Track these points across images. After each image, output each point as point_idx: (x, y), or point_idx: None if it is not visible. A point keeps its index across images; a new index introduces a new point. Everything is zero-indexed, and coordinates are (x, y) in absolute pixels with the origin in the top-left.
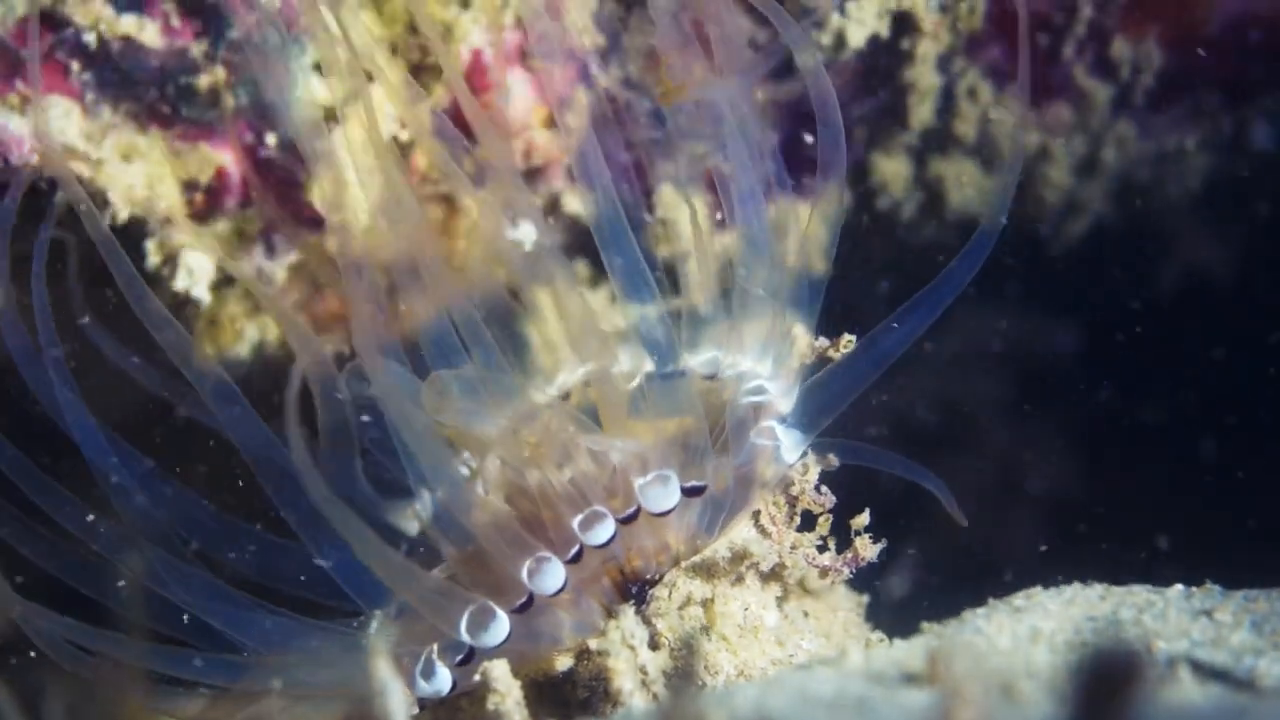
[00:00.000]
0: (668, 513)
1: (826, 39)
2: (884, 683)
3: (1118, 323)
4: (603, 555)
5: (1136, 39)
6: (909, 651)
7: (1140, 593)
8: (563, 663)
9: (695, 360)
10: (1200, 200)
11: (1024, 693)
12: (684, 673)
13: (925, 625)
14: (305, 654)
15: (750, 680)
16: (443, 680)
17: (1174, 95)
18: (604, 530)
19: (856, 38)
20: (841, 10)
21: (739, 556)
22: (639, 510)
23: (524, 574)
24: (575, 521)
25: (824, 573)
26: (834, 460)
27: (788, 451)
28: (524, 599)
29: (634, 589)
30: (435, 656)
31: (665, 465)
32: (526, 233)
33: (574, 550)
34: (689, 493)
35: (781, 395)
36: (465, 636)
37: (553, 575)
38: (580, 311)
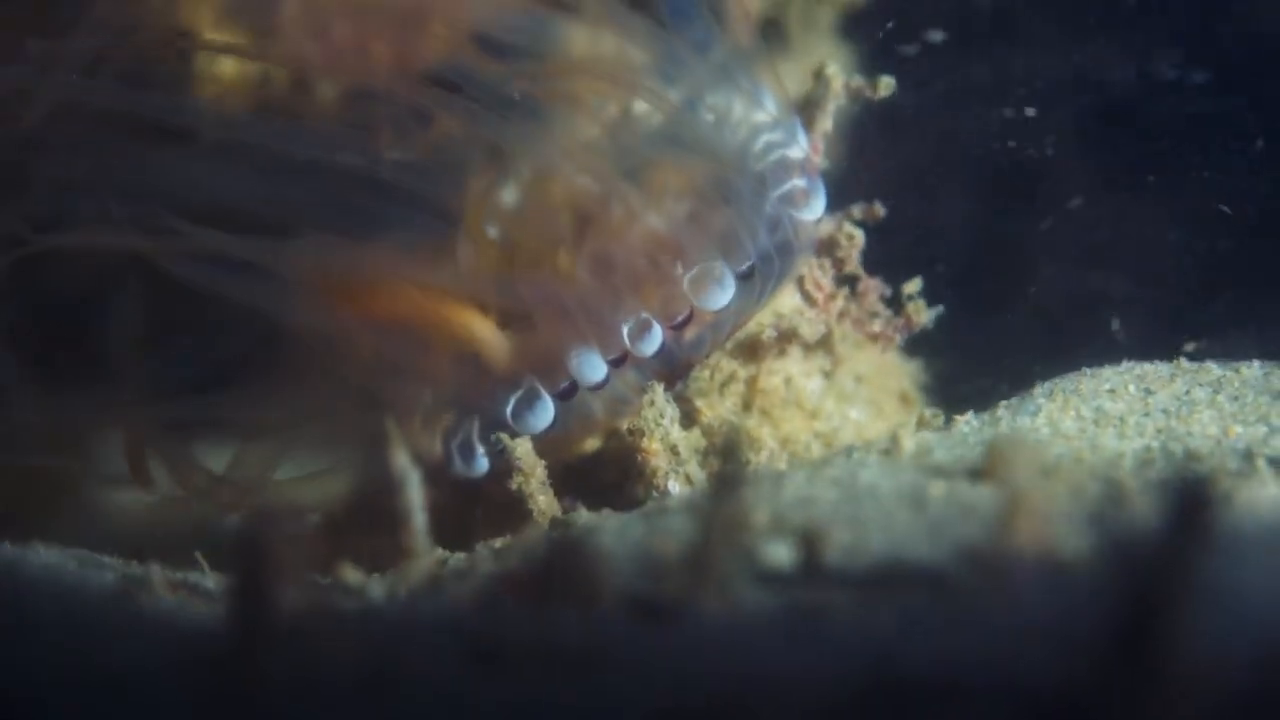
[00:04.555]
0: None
1: None
2: (940, 477)
3: None
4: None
5: None
6: (965, 441)
7: (1214, 370)
8: (590, 445)
9: (714, 100)
10: None
11: (1091, 495)
12: (727, 457)
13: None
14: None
15: (794, 456)
16: (480, 464)
17: None
18: (653, 341)
19: None
20: None
21: (786, 334)
22: (691, 313)
23: (570, 360)
24: (625, 329)
25: (875, 339)
26: (879, 210)
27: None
28: (566, 384)
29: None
30: (475, 438)
31: (705, 249)
32: None
33: (618, 354)
34: (740, 277)
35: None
36: (510, 419)
37: (594, 368)
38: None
